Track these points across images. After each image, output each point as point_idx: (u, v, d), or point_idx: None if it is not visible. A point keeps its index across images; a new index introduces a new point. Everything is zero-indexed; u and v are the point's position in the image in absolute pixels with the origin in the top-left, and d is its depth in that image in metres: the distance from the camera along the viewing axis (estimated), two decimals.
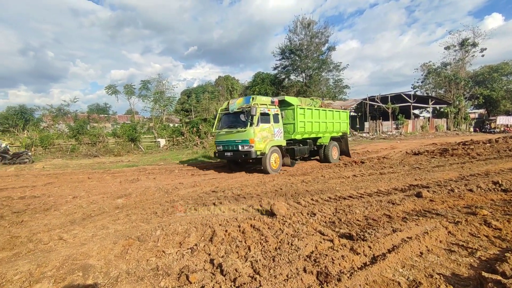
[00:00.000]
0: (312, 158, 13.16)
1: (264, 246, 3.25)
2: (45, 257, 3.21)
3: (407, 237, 3.27)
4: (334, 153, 12.47)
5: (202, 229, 3.89)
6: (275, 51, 31.65)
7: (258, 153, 9.33)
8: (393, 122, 35.60)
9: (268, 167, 9.47)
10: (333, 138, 12.74)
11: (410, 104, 36.75)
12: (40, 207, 6.03)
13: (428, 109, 41.55)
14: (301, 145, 11.55)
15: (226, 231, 3.78)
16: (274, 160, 9.73)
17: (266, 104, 9.89)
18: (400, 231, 3.44)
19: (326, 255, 2.90)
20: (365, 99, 36.16)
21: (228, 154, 9.92)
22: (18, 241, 3.82)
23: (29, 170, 12.80)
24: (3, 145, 18.15)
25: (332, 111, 12.65)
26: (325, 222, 4.09)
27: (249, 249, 3.19)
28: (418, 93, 43.20)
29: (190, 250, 3.17)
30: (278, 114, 10.24)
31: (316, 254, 2.96)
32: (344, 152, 13.52)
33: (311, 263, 2.79)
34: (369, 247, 3.02)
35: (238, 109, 9.61)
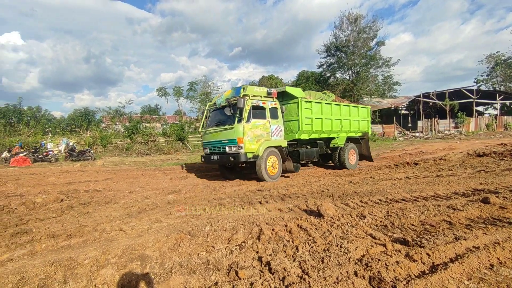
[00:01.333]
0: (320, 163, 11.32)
1: (312, 247, 3.19)
2: (108, 245, 3.52)
3: (473, 247, 2.96)
4: (351, 157, 10.53)
5: (249, 227, 3.94)
6: (320, 48, 30.92)
7: (250, 155, 7.66)
8: (451, 120, 32.58)
9: (263, 173, 7.78)
10: (350, 139, 10.77)
11: (472, 100, 33.28)
12: (102, 200, 6.63)
13: (495, 105, 37.23)
14: (308, 147, 9.70)
15: (273, 230, 3.78)
16: (271, 165, 8.02)
17: (260, 96, 8.17)
18: (465, 239, 3.13)
19: (379, 259, 2.75)
20: (419, 96, 33.68)
21: (215, 157, 8.22)
22: (85, 230, 4.25)
23: (92, 166, 14.19)
24: (71, 143, 20.42)
25: (349, 106, 10.65)
26: (376, 226, 3.88)
27: (297, 249, 3.16)
28: (483, 87, 38.95)
29: (239, 247, 3.23)
30: (276, 108, 8.46)
31: (367, 258, 2.82)
32: (365, 156, 11.46)
33: (362, 267, 2.67)
34: (428, 254, 2.79)
35: (225, 102, 8.06)
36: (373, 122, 29.02)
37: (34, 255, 3.37)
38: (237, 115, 7.56)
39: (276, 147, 8.25)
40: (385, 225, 3.85)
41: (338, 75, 31.42)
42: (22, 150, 18.30)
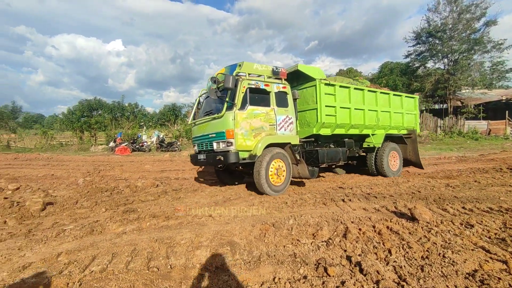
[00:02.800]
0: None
1: (407, 252, 2.89)
2: (200, 229, 3.83)
3: None
4: (392, 161, 8.22)
5: (334, 224, 3.80)
6: (408, 36, 27.64)
7: (244, 155, 5.77)
8: None
9: (261, 182, 5.68)
10: (390, 138, 8.38)
11: None
12: (190, 188, 7.28)
13: None
14: (331, 145, 7.57)
15: (359, 229, 3.57)
16: (275, 171, 5.91)
17: (263, 76, 6.22)
18: None
19: (499, 278, 2.32)
20: None
21: (202, 157, 6.37)
22: (179, 213, 4.71)
23: (179, 157, 15.74)
24: (161, 135, 23.06)
25: (388, 94, 8.20)
26: (489, 238, 3.30)
27: (390, 252, 2.90)
28: None
29: (325, 243, 3.14)
30: (286, 92, 6.43)
31: (482, 274, 2.41)
32: (411, 161, 8.99)
33: (475, 283, 2.30)
34: None
35: (212, 83, 6.11)
36: (475, 117, 24.76)
37: (141, 231, 3.88)
38: (228, 100, 5.72)
39: (283, 145, 6.24)
40: (503, 238, 3.24)
41: (429, 64, 27.70)
42: (123, 140, 21.54)
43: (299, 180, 7.23)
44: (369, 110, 7.55)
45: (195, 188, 7.20)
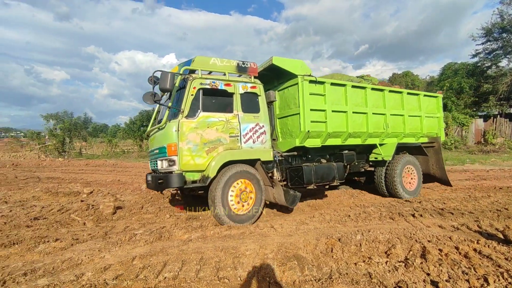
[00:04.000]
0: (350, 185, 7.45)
1: (509, 283, 2.47)
2: (263, 240, 3.76)
3: None
4: (407, 178, 6.56)
5: (408, 242, 3.45)
6: (476, 33, 24.88)
7: (194, 177, 4.57)
8: None
9: (218, 210, 4.52)
10: (405, 148, 6.82)
11: None
12: None
13: None
14: (323, 160, 6.05)
15: (440, 250, 3.18)
16: (236, 197, 4.72)
17: (223, 72, 4.97)
18: None
19: None
20: None
21: (149, 179, 5.09)
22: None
23: None
24: None
25: (401, 92, 6.58)
26: None
27: (486, 281, 2.51)
28: None
29: (403, 264, 2.84)
30: (256, 94, 5.15)
31: None
32: (435, 176, 7.25)
33: None
34: None
35: (150, 82, 4.71)
36: None
37: (206, 239, 3.94)
38: (172, 106, 4.66)
39: (249, 162, 4.94)
40: None
41: (503, 63, 24.48)
42: None
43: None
44: (373, 113, 6.07)
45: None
